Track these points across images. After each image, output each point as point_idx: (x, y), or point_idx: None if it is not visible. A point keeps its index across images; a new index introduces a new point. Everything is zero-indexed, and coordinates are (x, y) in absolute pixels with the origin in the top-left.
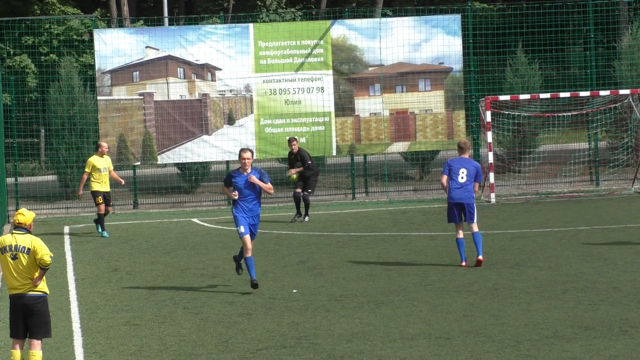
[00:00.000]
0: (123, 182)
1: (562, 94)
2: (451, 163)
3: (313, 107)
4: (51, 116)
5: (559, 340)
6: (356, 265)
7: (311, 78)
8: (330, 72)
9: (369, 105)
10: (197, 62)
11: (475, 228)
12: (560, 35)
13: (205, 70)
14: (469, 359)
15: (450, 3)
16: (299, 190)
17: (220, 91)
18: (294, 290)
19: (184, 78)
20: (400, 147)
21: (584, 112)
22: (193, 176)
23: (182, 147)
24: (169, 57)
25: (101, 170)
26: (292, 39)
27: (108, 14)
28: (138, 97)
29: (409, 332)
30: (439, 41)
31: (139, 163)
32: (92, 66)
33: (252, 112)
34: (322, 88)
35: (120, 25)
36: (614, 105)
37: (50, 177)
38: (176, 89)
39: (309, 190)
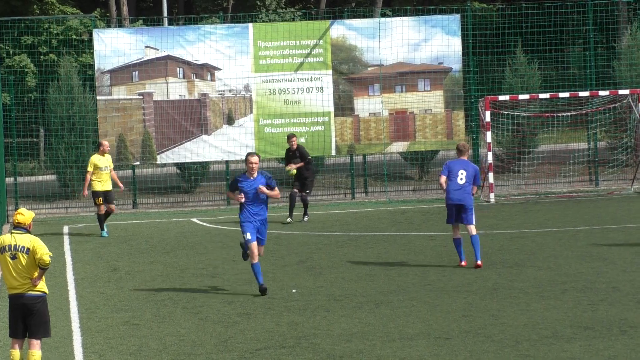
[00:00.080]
0: (122, 188)
1: (562, 94)
2: (450, 164)
3: (312, 107)
4: (50, 116)
5: (558, 340)
6: (355, 265)
7: (310, 78)
8: (330, 72)
9: (368, 105)
10: (197, 62)
11: (473, 231)
12: (560, 35)
13: (204, 70)
14: (468, 359)
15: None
16: (295, 190)
17: (219, 91)
18: (293, 290)
19: (184, 78)
20: (399, 147)
21: (584, 112)
22: (192, 176)
23: (181, 147)
24: (169, 57)
25: (102, 169)
26: (291, 39)
27: (107, 14)
28: (137, 97)
29: (408, 332)
30: (438, 41)
31: (138, 163)
32: (92, 66)
33: (251, 112)
34: (322, 88)
35: (120, 25)
36: (614, 105)
37: (49, 177)
38: (175, 89)
39: (307, 191)
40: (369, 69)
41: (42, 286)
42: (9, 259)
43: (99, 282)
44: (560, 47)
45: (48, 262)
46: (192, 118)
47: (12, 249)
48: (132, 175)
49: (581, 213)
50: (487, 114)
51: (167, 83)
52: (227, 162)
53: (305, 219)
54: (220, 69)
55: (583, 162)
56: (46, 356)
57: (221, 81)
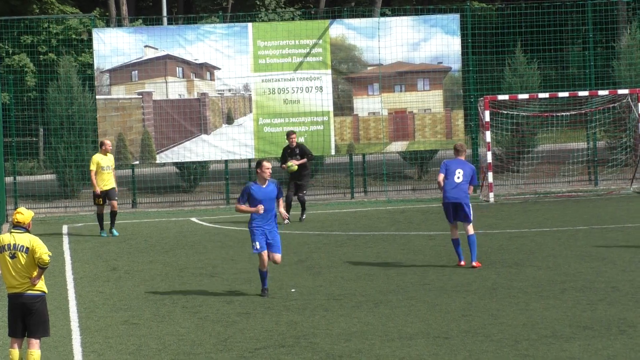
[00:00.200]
0: (117, 189)
1: (561, 94)
2: (448, 163)
3: (312, 107)
4: (50, 115)
5: (557, 340)
6: (354, 264)
7: (310, 77)
8: (329, 71)
9: (367, 104)
10: (196, 62)
11: (470, 230)
12: (559, 35)
13: (204, 70)
14: (468, 358)
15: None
16: (290, 192)
17: (219, 90)
18: (293, 290)
19: (183, 77)
20: (398, 146)
21: (583, 111)
22: (192, 175)
23: (180, 147)
24: (168, 57)
25: (104, 168)
26: (291, 39)
27: (107, 13)
28: (137, 96)
29: (407, 332)
30: (437, 41)
31: (137, 162)
32: (91, 65)
33: (250, 112)
34: (321, 87)
35: (119, 24)
36: (613, 105)
37: (48, 176)
38: (175, 88)
39: (304, 192)
40: (369, 68)
41: (41, 285)
42: (8, 258)
43: (98, 281)
44: (559, 46)
45: (47, 261)
46: (191, 117)
47: (12, 248)
48: (131, 174)
49: (580, 213)
50: (487, 113)
51: (166, 82)
52: (226, 161)
53: (304, 216)
54: (219, 69)
55: (582, 162)
56: (45, 355)
57: (220, 80)
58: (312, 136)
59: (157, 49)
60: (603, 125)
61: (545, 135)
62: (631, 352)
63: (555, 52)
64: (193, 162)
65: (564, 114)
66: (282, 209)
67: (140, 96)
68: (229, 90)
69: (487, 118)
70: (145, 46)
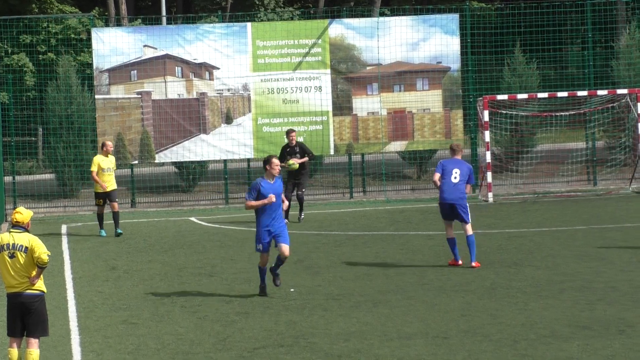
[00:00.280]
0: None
1: (560, 94)
2: (444, 163)
3: (311, 106)
4: (49, 115)
5: (556, 340)
6: (353, 264)
7: (309, 77)
8: (328, 71)
9: (366, 104)
10: (195, 61)
11: (469, 231)
12: (558, 35)
13: (203, 69)
14: (467, 358)
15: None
16: (288, 192)
17: (218, 90)
18: (292, 289)
19: (182, 77)
20: (397, 146)
21: (582, 111)
22: (191, 175)
23: (179, 146)
24: (167, 56)
25: (105, 170)
26: (290, 38)
27: (106, 13)
28: (136, 95)
29: (406, 332)
30: (436, 40)
31: (136, 162)
32: (90, 65)
33: (249, 111)
34: (320, 87)
35: (118, 24)
36: (612, 104)
37: (48, 176)
38: (174, 88)
39: (303, 190)
40: (368, 68)
41: (40, 285)
42: (7, 257)
43: (97, 281)
44: (558, 46)
45: (46, 261)
46: (190, 117)
47: (11, 247)
48: (130, 174)
49: (579, 212)
50: (486, 113)
51: (165, 82)
52: (225, 161)
53: (302, 215)
54: (218, 68)
55: (581, 162)
56: (44, 355)
57: (219, 80)
58: (311, 136)
59: (156, 48)
60: (602, 125)
61: (544, 135)
62: (630, 352)
63: (554, 52)
64: (192, 162)
65: (563, 113)
66: (285, 204)
67: (139, 96)
68: (228, 89)
69: (486, 118)
70: (144, 46)
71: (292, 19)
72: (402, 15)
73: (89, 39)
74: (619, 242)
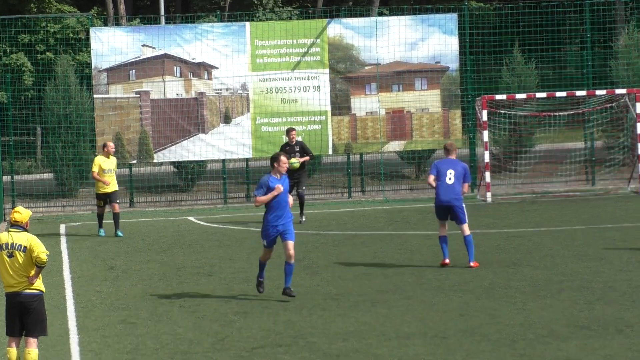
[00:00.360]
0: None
1: (559, 94)
2: (438, 164)
3: (309, 106)
4: (47, 114)
5: (554, 340)
6: (352, 264)
7: (307, 77)
8: (327, 70)
9: (365, 104)
10: (194, 61)
11: (466, 231)
12: (557, 35)
13: (201, 69)
14: (465, 358)
15: (447, 2)
16: None
17: (216, 90)
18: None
19: (181, 76)
20: (396, 146)
21: (580, 111)
22: (189, 175)
23: (178, 146)
24: (166, 56)
25: (106, 171)
26: (288, 38)
27: (104, 12)
28: (134, 95)
29: (404, 331)
30: (435, 40)
31: (135, 161)
32: (89, 64)
33: (248, 111)
34: (319, 87)
35: (117, 23)
36: (610, 104)
37: (46, 175)
38: (173, 88)
39: (303, 188)
40: (366, 68)
41: (38, 284)
42: (6, 257)
43: (96, 280)
44: (557, 46)
45: (45, 260)
46: (189, 117)
47: (9, 247)
48: (129, 173)
49: (578, 212)
50: (484, 113)
51: (164, 82)
52: (223, 160)
53: (304, 218)
54: (217, 68)
55: (580, 162)
56: (43, 354)
57: (218, 80)
58: (310, 135)
59: (154, 48)
60: (600, 125)
61: (543, 135)
62: (628, 352)
63: (553, 51)
64: (190, 162)
65: (562, 113)
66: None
67: (138, 95)
68: (227, 89)
69: (485, 118)
70: (143, 45)
71: (290, 18)
72: (401, 14)
73: (88, 39)
74: (618, 242)
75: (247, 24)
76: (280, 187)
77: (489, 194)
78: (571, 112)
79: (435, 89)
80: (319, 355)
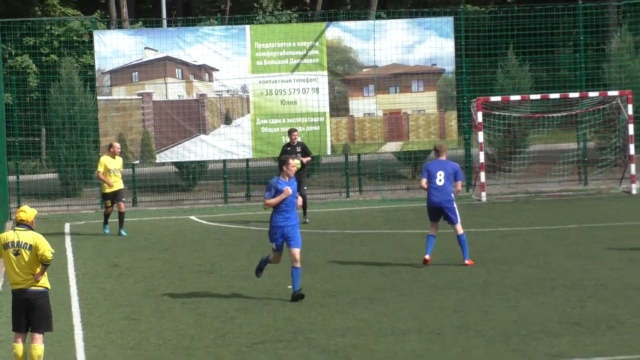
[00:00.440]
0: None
1: (552, 95)
2: (429, 167)
3: (308, 108)
4: (52, 115)
5: (547, 336)
6: (350, 262)
7: (306, 79)
8: (325, 73)
9: (363, 105)
10: (195, 63)
11: (459, 230)
12: (551, 38)
13: (202, 71)
14: (460, 354)
15: (443, 6)
16: None
17: (217, 91)
18: (289, 286)
19: (182, 78)
20: (393, 146)
21: (573, 113)
22: (191, 175)
23: (180, 146)
24: (167, 58)
25: (112, 171)
26: (287, 41)
27: (107, 16)
28: (137, 97)
29: (400, 328)
30: (431, 43)
31: (137, 162)
32: (92, 67)
33: (248, 112)
34: (317, 89)
35: (120, 26)
36: (603, 106)
37: (51, 175)
38: (174, 89)
39: (305, 188)
40: (364, 70)
41: (44, 282)
42: (12, 255)
43: (100, 278)
44: (551, 49)
45: (50, 258)
46: (190, 118)
47: (15, 245)
48: (131, 173)
49: (571, 212)
50: (479, 114)
51: (166, 83)
52: (224, 161)
53: (307, 219)
54: (218, 70)
55: (573, 162)
56: (48, 350)
57: (219, 82)
58: (309, 136)
59: (156, 50)
60: (593, 126)
61: (537, 135)
62: (619, 348)
63: (546, 54)
64: (192, 162)
65: (555, 115)
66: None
67: (141, 97)
68: (227, 91)
69: (480, 119)
70: (145, 48)
71: (290, 21)
72: (398, 18)
73: (91, 41)
74: (609, 241)
75: (247, 27)
76: (288, 190)
77: (483, 194)
78: (564, 114)
79: (431, 90)
80: (317, 351)
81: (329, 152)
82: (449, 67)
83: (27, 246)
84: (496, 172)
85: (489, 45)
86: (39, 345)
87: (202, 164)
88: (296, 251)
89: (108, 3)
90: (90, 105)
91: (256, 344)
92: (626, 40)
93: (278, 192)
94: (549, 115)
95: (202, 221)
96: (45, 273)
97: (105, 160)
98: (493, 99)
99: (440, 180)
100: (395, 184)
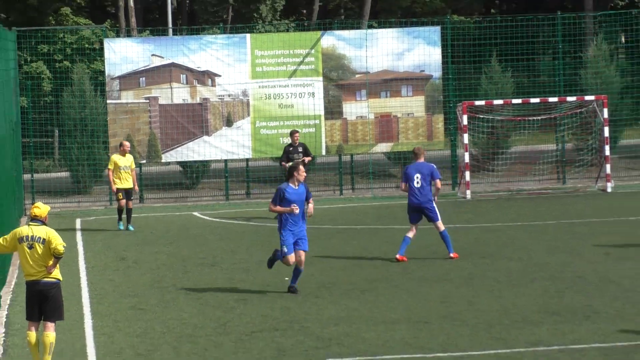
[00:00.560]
0: (137, 189)
1: (533, 100)
2: (407, 171)
3: (304, 111)
4: (64, 118)
5: (527, 325)
6: (343, 255)
7: (303, 84)
8: (321, 78)
9: (355, 109)
10: (199, 69)
11: (440, 227)
12: (531, 46)
13: (205, 77)
14: (446, 341)
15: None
16: None
17: (219, 96)
18: (286, 278)
19: (187, 83)
20: (384, 147)
21: (552, 116)
22: (194, 173)
23: (184, 147)
24: (173, 64)
25: (122, 168)
26: (285, 48)
27: (117, 25)
28: (144, 100)
29: (391, 317)
30: (420, 51)
31: (144, 161)
32: (102, 72)
33: (248, 115)
34: (313, 93)
35: (128, 35)
36: (580, 110)
37: (63, 174)
38: (179, 94)
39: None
40: (357, 76)
41: (56, 274)
42: (26, 248)
43: (108, 270)
44: (531, 56)
45: (62, 251)
46: (194, 120)
47: (29, 239)
48: (139, 172)
49: (550, 209)
50: (464, 117)
51: (171, 88)
52: (225, 161)
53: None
54: (220, 76)
55: (552, 162)
56: (60, 337)
57: (221, 86)
58: (305, 138)
59: (162, 57)
60: (571, 129)
61: (518, 137)
62: (595, 336)
63: (527, 61)
64: (195, 162)
65: (535, 118)
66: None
67: (148, 101)
68: (229, 95)
69: (465, 122)
70: (152, 55)
71: (287, 30)
72: (389, 27)
73: (102, 49)
74: (587, 236)
75: (248, 35)
76: (295, 210)
77: (468, 192)
78: (544, 117)
79: (419, 95)
80: (312, 339)
81: (323, 152)
82: (436, 73)
83: (41, 240)
84: (480, 172)
85: (473, 52)
86: (51, 333)
87: (204, 163)
88: (302, 254)
89: (117, 13)
90: (101, 109)
91: (255, 332)
92: (602, 48)
93: (284, 200)
94: (530, 118)
95: (205, 217)
96: (58, 265)
97: (116, 159)
98: (477, 103)
99: (417, 182)
100: (386, 183)
